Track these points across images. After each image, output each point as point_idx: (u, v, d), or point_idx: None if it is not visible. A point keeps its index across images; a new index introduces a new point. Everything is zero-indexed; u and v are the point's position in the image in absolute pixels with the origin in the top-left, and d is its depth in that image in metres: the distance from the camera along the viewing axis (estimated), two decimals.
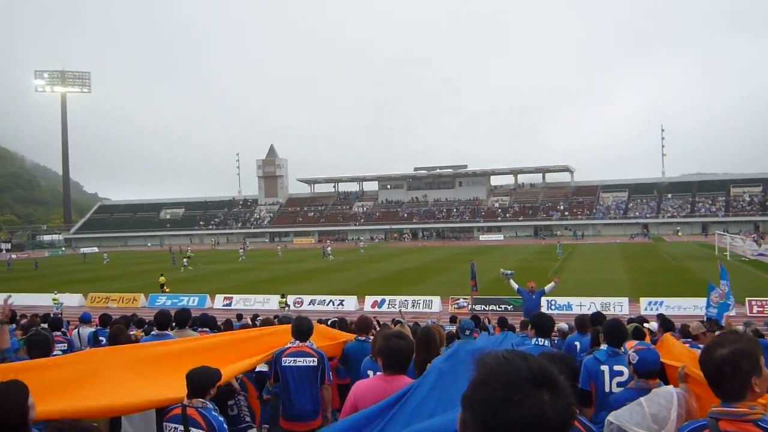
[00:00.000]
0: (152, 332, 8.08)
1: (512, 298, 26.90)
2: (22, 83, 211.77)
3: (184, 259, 57.82)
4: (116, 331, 8.03)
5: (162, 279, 39.74)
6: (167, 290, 37.67)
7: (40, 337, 6.03)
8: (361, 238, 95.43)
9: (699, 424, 2.68)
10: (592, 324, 8.74)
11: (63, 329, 10.83)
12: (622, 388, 5.48)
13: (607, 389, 5.57)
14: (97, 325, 11.81)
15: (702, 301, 24.33)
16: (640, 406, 3.82)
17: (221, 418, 4.75)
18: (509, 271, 17.24)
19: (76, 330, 10.89)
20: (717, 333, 5.77)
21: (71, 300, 35.13)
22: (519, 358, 1.44)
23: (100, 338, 10.24)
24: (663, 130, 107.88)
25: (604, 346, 5.89)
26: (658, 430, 3.65)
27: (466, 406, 1.44)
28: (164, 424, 4.79)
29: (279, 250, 73.65)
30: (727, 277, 16.23)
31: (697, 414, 3.97)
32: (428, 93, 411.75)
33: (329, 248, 67.00)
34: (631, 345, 5.17)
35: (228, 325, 11.88)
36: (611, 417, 3.84)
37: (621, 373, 5.54)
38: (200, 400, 4.71)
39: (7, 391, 2.96)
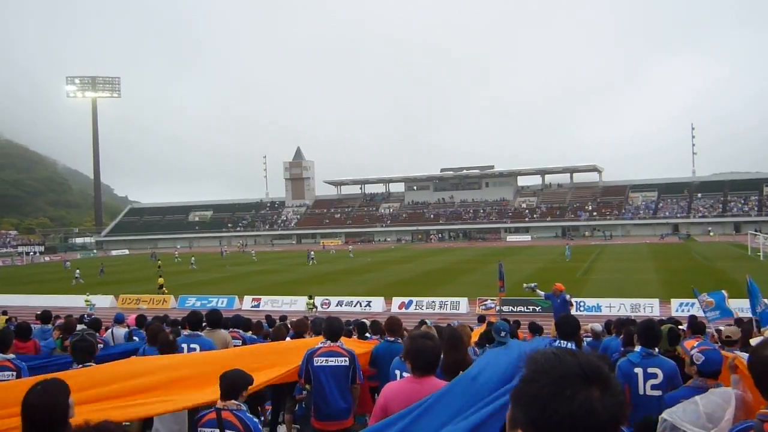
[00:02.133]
0: (183, 333, 8.17)
1: (540, 300, 26.67)
2: (53, 89, 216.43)
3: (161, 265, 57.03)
4: (154, 330, 8.14)
5: (160, 281, 40.54)
6: (165, 291, 38.50)
7: (86, 343, 6.15)
8: (352, 241, 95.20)
9: (746, 425, 2.64)
10: (624, 326, 8.64)
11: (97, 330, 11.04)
12: (657, 391, 5.41)
13: (641, 392, 5.50)
14: (128, 326, 12.02)
15: (736, 303, 23.84)
16: (695, 404, 3.75)
17: (256, 420, 4.78)
18: (532, 284, 17.00)
19: (110, 330, 11.09)
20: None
21: (103, 302, 35.72)
22: (569, 355, 1.44)
23: (135, 338, 10.41)
24: (693, 128, 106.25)
25: (637, 348, 5.81)
26: (712, 428, 3.59)
27: (516, 402, 1.44)
28: (198, 429, 4.79)
29: (254, 255, 72.93)
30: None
31: (753, 405, 3.91)
32: (454, 91, 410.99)
33: (312, 252, 63.59)
34: (691, 344, 5.09)
35: (258, 327, 11.98)
36: (665, 414, 3.77)
37: (655, 376, 5.47)
38: (234, 402, 4.74)
39: (49, 390, 3.02)
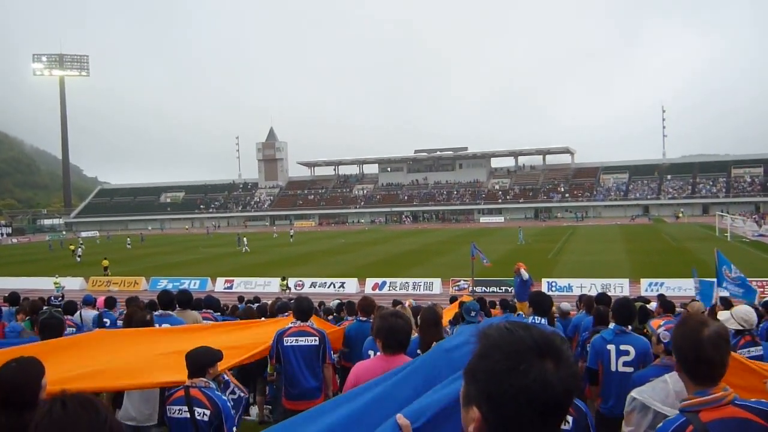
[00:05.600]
0: (155, 313, 8.06)
1: (512, 280, 26.91)
2: (20, 67, 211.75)
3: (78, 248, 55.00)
4: (131, 312, 8.00)
5: (105, 263, 40.40)
6: (109, 273, 38.61)
7: (54, 320, 6.03)
8: (293, 223, 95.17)
9: (678, 423, 2.59)
10: (597, 304, 8.73)
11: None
12: (629, 368, 5.47)
13: (613, 368, 5.57)
14: (98, 308, 11.81)
15: (702, 281, 24.29)
16: (665, 383, 3.77)
17: (225, 398, 4.74)
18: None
19: (79, 312, 10.88)
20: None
21: (73, 283, 35.23)
22: (521, 329, 1.43)
23: (105, 320, 10.22)
24: (664, 111, 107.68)
25: (611, 325, 5.87)
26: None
27: (470, 379, 1.43)
28: (167, 407, 4.75)
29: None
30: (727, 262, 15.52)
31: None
32: (429, 74, 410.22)
33: (245, 239, 57.58)
34: (657, 323, 5.11)
35: (233, 309, 11.90)
36: (635, 393, 3.77)
37: (627, 353, 5.53)
38: (202, 379, 4.68)
39: (24, 368, 2.96)
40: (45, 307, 9.81)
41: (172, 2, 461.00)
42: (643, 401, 3.69)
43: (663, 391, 3.70)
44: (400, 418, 2.15)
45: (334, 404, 3.19)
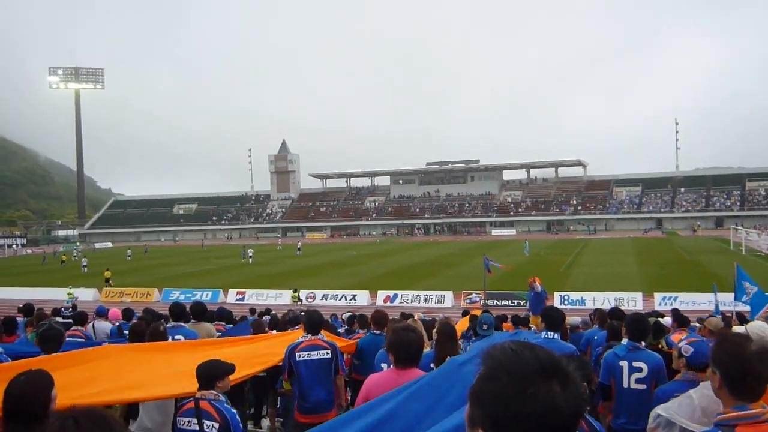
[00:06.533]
0: (167, 325, 8.08)
1: (525, 293, 26.77)
2: (36, 80, 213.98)
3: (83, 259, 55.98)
4: (135, 330, 7.98)
5: (107, 273, 40.50)
6: (111, 284, 38.78)
7: (54, 331, 6.03)
8: (282, 236, 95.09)
9: None
10: (611, 319, 8.65)
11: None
12: (642, 385, 5.41)
13: (625, 385, 5.51)
14: (110, 320, 11.83)
15: (718, 297, 24.00)
16: (690, 399, 3.73)
17: (234, 411, 4.74)
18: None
19: (91, 324, 10.90)
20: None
21: (86, 294, 35.41)
22: (527, 350, 1.39)
23: (125, 332, 10.21)
24: (677, 123, 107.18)
25: (624, 341, 5.81)
26: (707, 423, 3.58)
27: (475, 402, 1.39)
28: (177, 419, 4.76)
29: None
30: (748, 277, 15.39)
31: None
32: (439, 85, 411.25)
33: (251, 250, 58.03)
34: (678, 337, 5.06)
35: (242, 319, 11.90)
36: (659, 410, 3.74)
37: (640, 369, 5.48)
38: (212, 392, 4.69)
39: (34, 379, 2.98)
40: (45, 320, 9.84)
41: (185, 15, 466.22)
42: (669, 417, 3.66)
43: (689, 407, 3.66)
44: None
45: (348, 419, 3.19)
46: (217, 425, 4.56)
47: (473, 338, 8.38)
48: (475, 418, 1.39)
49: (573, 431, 1.35)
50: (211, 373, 4.75)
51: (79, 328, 9.71)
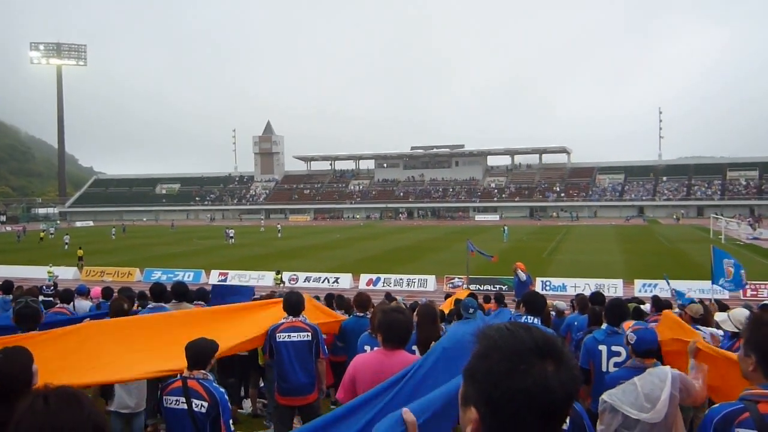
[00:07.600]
0: (148, 305, 8.04)
1: (507, 278, 26.96)
2: (17, 55, 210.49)
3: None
4: (116, 307, 7.94)
5: (80, 252, 40.40)
6: (83, 264, 38.67)
7: (29, 309, 5.96)
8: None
9: (733, 409, 2.53)
10: (592, 304, 8.74)
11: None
12: (619, 368, 5.48)
13: (604, 368, 5.58)
14: (92, 298, 11.76)
15: (697, 284, 24.35)
16: (634, 385, 3.84)
17: (222, 390, 4.74)
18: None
19: (72, 303, 10.82)
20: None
21: (66, 273, 35.16)
22: (522, 329, 1.41)
23: (104, 311, 10.18)
24: (661, 113, 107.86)
25: (604, 326, 5.88)
26: (650, 408, 3.66)
27: (469, 379, 1.41)
28: (164, 397, 4.73)
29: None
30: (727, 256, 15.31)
31: (701, 392, 3.97)
32: (427, 69, 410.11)
33: (232, 231, 58.42)
34: (628, 325, 5.16)
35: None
36: (605, 396, 3.88)
37: (618, 354, 5.54)
38: (201, 371, 4.69)
39: (13, 356, 2.95)
40: (20, 298, 9.77)
41: None
42: (612, 404, 3.78)
43: (632, 394, 3.78)
44: (407, 414, 2.13)
45: (348, 411, 3.16)
46: (206, 404, 4.56)
47: (455, 321, 8.41)
48: (468, 396, 1.41)
49: (566, 414, 1.36)
50: (201, 353, 4.75)
51: (65, 305, 9.67)
